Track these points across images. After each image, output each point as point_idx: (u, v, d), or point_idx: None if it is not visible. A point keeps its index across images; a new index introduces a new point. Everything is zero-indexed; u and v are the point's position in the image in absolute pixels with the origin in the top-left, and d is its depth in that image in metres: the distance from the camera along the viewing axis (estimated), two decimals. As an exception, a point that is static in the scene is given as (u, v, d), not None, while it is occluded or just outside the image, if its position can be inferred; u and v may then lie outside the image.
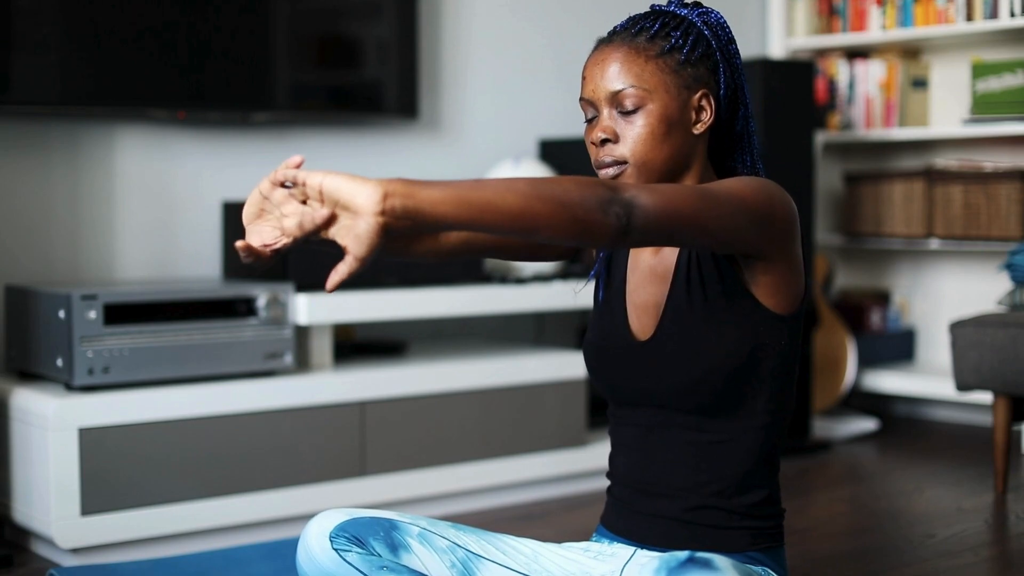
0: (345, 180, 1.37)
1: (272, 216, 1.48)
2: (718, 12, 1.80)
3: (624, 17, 1.83)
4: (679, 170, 1.77)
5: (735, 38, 1.80)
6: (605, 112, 1.75)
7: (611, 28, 1.80)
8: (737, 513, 1.77)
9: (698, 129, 1.76)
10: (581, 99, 1.78)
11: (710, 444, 1.76)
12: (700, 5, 1.80)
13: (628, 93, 1.72)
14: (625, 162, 1.73)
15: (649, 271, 1.81)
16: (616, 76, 1.73)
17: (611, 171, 1.74)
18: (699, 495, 1.77)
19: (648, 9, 1.81)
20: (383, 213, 1.36)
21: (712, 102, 1.76)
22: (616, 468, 1.86)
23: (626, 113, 1.73)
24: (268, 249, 1.48)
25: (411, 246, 1.80)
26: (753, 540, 1.78)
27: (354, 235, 1.36)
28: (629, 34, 1.75)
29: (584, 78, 1.77)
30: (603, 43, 1.77)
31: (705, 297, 1.73)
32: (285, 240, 1.46)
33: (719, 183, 1.66)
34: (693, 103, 1.75)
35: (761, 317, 1.72)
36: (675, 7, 1.79)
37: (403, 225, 1.37)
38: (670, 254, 1.79)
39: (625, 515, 1.84)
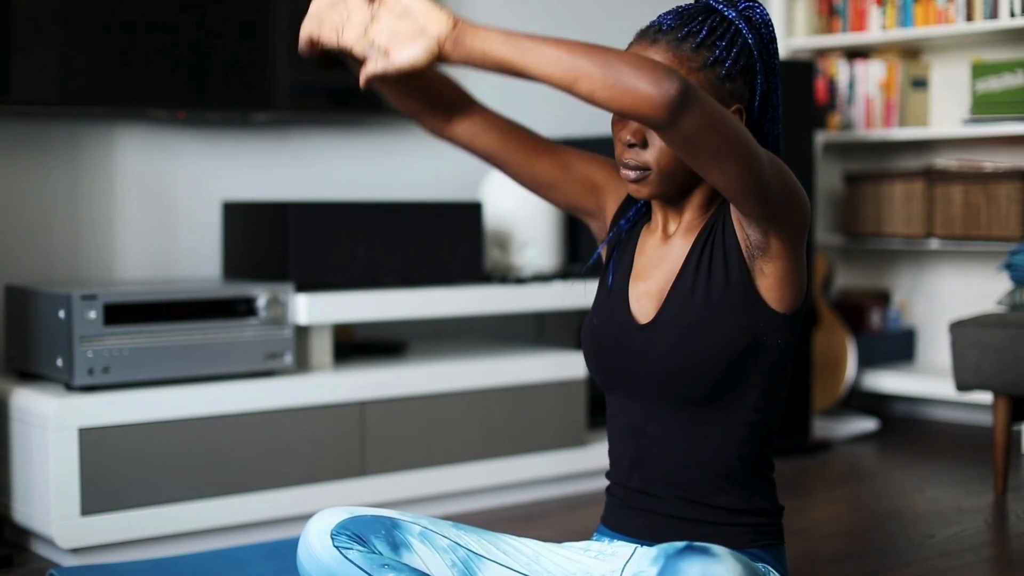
0: (420, 4, 1.55)
1: (338, 12, 1.61)
2: (763, 8, 1.78)
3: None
4: (701, 178, 1.77)
5: (775, 35, 1.78)
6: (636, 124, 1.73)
7: (657, 19, 1.76)
8: (729, 510, 1.78)
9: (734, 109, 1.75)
10: None
11: (701, 439, 1.77)
12: None
13: None
14: (649, 169, 1.73)
15: (657, 257, 1.82)
16: None
17: (632, 174, 1.74)
18: (691, 493, 1.78)
19: (695, 2, 1.77)
20: (438, 47, 1.53)
21: (744, 115, 1.74)
22: (613, 466, 1.87)
23: None
24: (318, 48, 1.63)
25: (431, 106, 1.86)
26: (753, 538, 1.78)
27: (404, 43, 1.54)
28: (675, 37, 1.72)
29: None
30: (647, 39, 1.74)
31: (709, 286, 1.73)
32: (334, 43, 1.60)
33: None
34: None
35: (762, 313, 1.73)
36: (724, 6, 1.75)
37: (450, 62, 1.54)
38: (680, 242, 1.80)
39: (624, 514, 1.85)
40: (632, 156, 1.74)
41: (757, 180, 1.60)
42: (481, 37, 1.53)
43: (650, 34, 1.75)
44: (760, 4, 1.78)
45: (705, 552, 1.57)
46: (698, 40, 1.71)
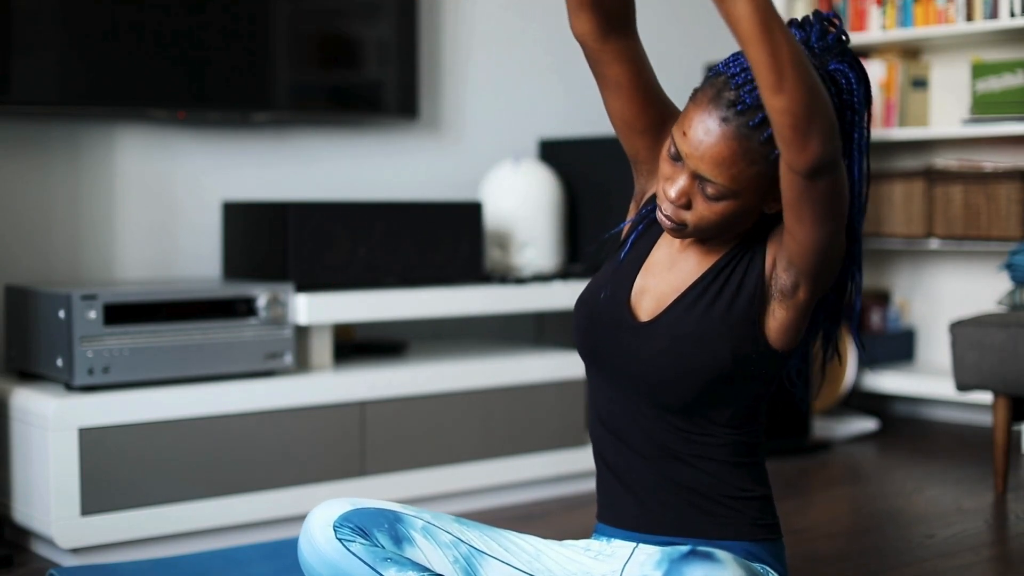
0: None
1: None
2: (856, 71, 1.71)
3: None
4: (735, 230, 1.77)
5: (866, 98, 1.71)
6: (688, 178, 1.70)
7: (734, 89, 1.66)
8: (716, 497, 1.79)
9: (771, 209, 1.73)
10: (673, 136, 1.70)
11: (673, 439, 1.78)
12: (843, 57, 1.71)
13: (717, 186, 1.68)
14: (685, 225, 1.73)
15: (670, 260, 1.82)
16: (714, 165, 1.66)
17: (668, 223, 1.73)
18: (672, 480, 1.80)
19: None
20: None
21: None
22: (596, 451, 1.89)
23: (707, 195, 1.69)
24: None
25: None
26: (752, 530, 1.79)
27: None
28: (747, 125, 1.65)
29: (685, 130, 1.68)
30: (716, 106, 1.66)
31: (712, 306, 1.74)
32: None
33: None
34: (773, 202, 1.71)
35: (758, 345, 1.74)
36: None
37: None
38: (697, 256, 1.80)
39: (610, 505, 1.87)
40: (673, 212, 1.72)
41: (829, 249, 1.65)
42: None
43: (722, 106, 1.66)
44: (854, 63, 1.71)
45: (709, 557, 1.58)
46: (768, 134, 1.65)
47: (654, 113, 1.82)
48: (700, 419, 1.77)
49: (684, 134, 1.68)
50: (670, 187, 1.70)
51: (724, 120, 1.65)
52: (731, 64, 1.69)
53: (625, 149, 1.88)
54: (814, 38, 1.73)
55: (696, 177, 1.69)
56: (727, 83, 1.67)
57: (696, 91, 1.72)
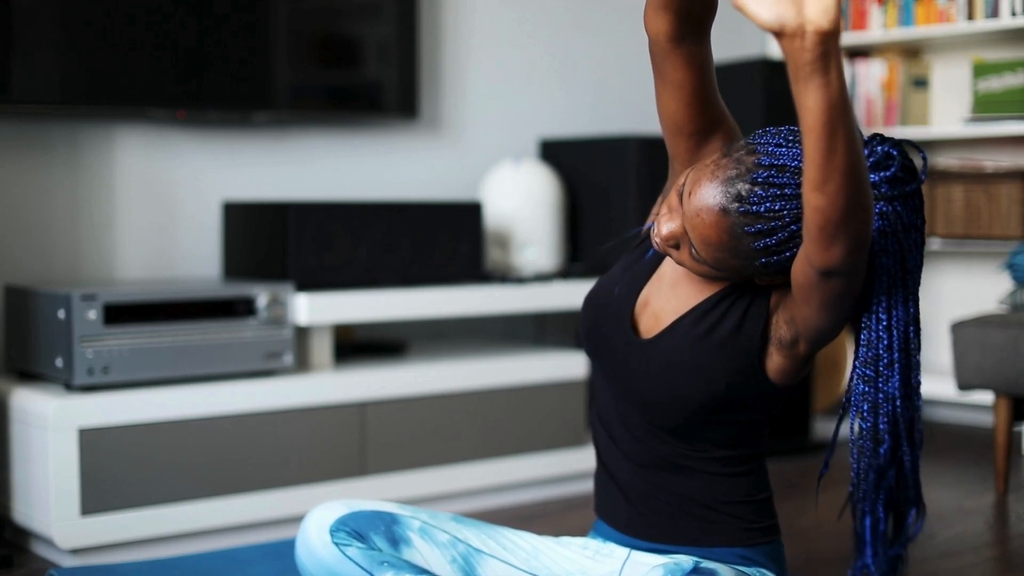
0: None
1: None
2: (879, 223, 1.59)
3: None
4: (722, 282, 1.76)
5: (904, 248, 1.60)
6: (681, 226, 1.66)
7: (753, 183, 1.58)
8: (708, 504, 1.79)
9: (762, 282, 1.70)
10: (686, 178, 1.67)
11: (669, 456, 1.78)
12: (890, 202, 1.58)
13: (701, 257, 1.66)
14: (671, 255, 1.72)
15: (674, 277, 1.79)
16: (700, 242, 1.63)
17: (657, 248, 1.72)
18: (653, 496, 1.80)
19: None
20: (796, 29, 1.37)
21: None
22: (594, 443, 1.89)
23: (691, 253, 1.67)
24: None
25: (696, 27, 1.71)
26: (745, 535, 1.79)
27: None
28: (744, 223, 1.60)
29: (692, 190, 1.63)
30: (724, 191, 1.61)
31: (709, 336, 1.72)
32: None
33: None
34: (765, 278, 1.70)
35: (756, 379, 1.73)
36: None
37: (785, 47, 1.37)
38: (702, 280, 1.78)
39: (604, 502, 1.88)
40: (661, 244, 1.70)
41: (832, 331, 1.65)
42: (835, 66, 1.40)
43: (730, 196, 1.60)
44: (910, 193, 1.58)
45: (712, 575, 1.58)
46: (771, 242, 1.60)
47: (706, 120, 1.76)
48: (692, 438, 1.77)
49: (690, 195, 1.63)
50: (664, 224, 1.67)
51: (724, 211, 1.60)
52: (768, 151, 1.60)
53: (667, 145, 1.82)
54: (868, 164, 1.58)
55: (686, 233, 1.66)
56: (748, 172, 1.60)
57: (724, 152, 1.65)
